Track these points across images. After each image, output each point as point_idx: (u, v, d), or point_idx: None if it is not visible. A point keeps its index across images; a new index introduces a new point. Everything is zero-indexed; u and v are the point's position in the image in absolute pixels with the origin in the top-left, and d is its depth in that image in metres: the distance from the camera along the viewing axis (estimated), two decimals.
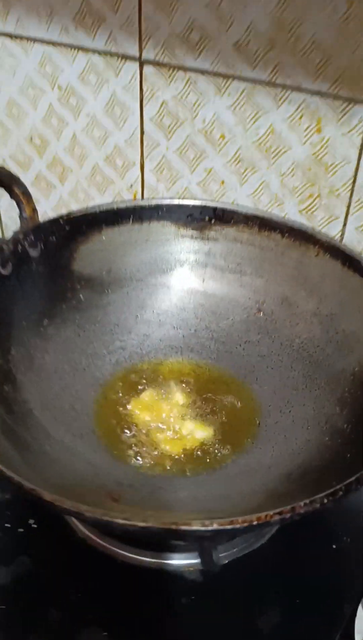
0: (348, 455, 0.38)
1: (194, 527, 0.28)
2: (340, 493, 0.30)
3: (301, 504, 0.29)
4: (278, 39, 0.50)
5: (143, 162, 0.64)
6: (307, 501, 0.29)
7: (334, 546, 0.43)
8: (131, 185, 0.66)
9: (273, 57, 0.51)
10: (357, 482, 0.30)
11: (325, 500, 0.29)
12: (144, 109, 0.60)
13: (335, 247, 0.48)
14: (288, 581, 0.42)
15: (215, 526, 0.28)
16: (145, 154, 0.63)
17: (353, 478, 0.30)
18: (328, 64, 0.49)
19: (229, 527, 0.28)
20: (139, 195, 0.66)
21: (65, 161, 0.69)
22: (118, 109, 0.62)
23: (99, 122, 0.64)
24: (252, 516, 0.28)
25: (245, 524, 0.28)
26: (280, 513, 0.28)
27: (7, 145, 0.72)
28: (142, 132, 0.62)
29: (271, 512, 0.28)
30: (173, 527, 0.28)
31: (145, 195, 0.66)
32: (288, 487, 0.38)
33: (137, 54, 0.57)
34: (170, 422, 0.45)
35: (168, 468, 0.41)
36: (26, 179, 0.74)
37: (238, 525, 0.28)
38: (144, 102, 0.60)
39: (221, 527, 0.28)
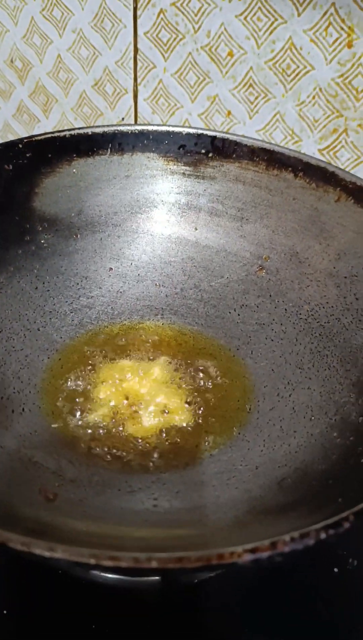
0: None
1: (123, 564, 0.19)
2: (347, 524, 0.20)
3: (287, 537, 0.19)
4: None
5: (137, 88, 0.53)
6: (296, 534, 0.19)
7: (336, 570, 0.34)
8: (123, 118, 0.56)
9: None
10: None
11: (323, 535, 0.20)
12: (138, 20, 0.50)
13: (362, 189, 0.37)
14: (277, 611, 0.33)
15: (153, 564, 0.19)
16: (139, 78, 0.53)
17: None
18: None
19: (175, 566, 0.19)
20: None
21: (49, 88, 0.59)
22: (108, 22, 0.51)
23: (87, 38, 0.53)
24: (211, 552, 0.19)
25: (199, 564, 0.19)
26: (253, 550, 0.19)
27: None
28: (135, 51, 0.51)
29: (239, 549, 0.19)
30: (92, 561, 0.19)
31: None
32: (278, 498, 0.28)
33: None
34: (138, 401, 0.36)
35: (126, 459, 0.32)
36: (7, 110, 0.64)
37: (189, 565, 0.19)
38: (139, 11, 0.49)
39: (163, 567, 0.19)
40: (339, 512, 0.21)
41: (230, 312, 0.40)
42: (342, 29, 0.41)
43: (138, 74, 0.52)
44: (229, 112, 0.49)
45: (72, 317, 0.40)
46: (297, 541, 0.19)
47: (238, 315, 0.40)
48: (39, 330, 0.39)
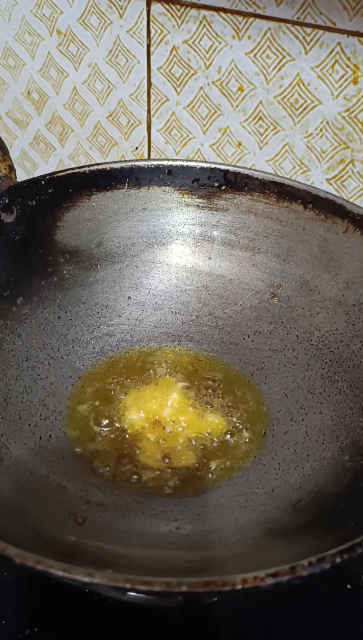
0: None
1: (156, 588, 0.21)
2: (360, 549, 0.22)
3: (305, 562, 0.21)
4: None
5: (150, 120, 0.55)
6: (313, 559, 0.21)
7: (349, 586, 0.36)
8: (137, 148, 0.58)
9: None
10: None
11: (338, 559, 0.21)
12: (151, 56, 0.52)
13: None
14: (294, 625, 0.35)
15: (183, 589, 0.21)
16: (152, 111, 0.55)
17: None
18: None
19: (203, 590, 0.21)
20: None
21: (65, 119, 0.61)
22: (123, 58, 0.54)
23: (102, 73, 0.56)
24: (235, 577, 0.21)
25: (225, 588, 0.21)
26: (274, 575, 0.21)
27: (4, 101, 0.65)
28: (149, 85, 0.54)
29: (262, 574, 0.21)
30: (127, 585, 0.21)
31: None
32: (293, 520, 0.30)
33: None
34: (158, 426, 0.38)
35: (149, 484, 0.34)
36: (24, 139, 0.66)
37: (216, 589, 0.21)
38: (152, 48, 0.52)
39: (192, 591, 0.21)
40: (352, 536, 0.23)
41: (244, 339, 0.42)
42: (348, 66, 0.43)
43: (151, 106, 0.55)
44: (239, 143, 0.51)
45: (93, 344, 0.42)
46: (315, 565, 0.21)
47: (252, 341, 0.42)
48: (62, 358, 0.41)
